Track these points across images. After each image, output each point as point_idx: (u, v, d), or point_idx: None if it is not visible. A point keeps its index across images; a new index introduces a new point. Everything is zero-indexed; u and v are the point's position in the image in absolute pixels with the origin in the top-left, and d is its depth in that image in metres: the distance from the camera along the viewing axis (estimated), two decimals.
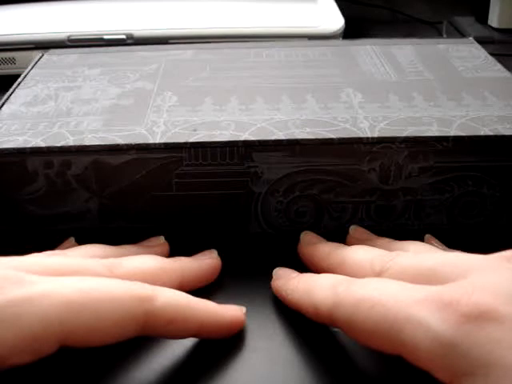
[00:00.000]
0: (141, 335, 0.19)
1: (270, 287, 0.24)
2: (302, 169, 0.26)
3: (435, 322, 0.16)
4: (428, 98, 0.29)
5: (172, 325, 0.20)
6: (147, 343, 0.22)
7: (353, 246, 0.24)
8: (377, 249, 0.23)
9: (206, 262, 0.25)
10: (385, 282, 0.19)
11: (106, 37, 0.46)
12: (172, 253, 0.26)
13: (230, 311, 0.22)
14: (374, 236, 0.26)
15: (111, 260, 0.22)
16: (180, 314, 0.20)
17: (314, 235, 0.26)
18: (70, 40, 0.46)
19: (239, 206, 0.27)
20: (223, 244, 0.26)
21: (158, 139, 0.25)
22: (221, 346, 0.22)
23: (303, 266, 0.25)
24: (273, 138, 0.25)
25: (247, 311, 0.22)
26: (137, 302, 0.19)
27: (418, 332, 0.16)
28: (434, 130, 0.26)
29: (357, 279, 0.20)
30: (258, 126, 0.26)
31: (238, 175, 0.26)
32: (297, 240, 0.26)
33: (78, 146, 0.25)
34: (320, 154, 0.26)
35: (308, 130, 0.26)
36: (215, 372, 0.20)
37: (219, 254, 0.25)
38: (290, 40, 0.45)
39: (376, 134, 0.25)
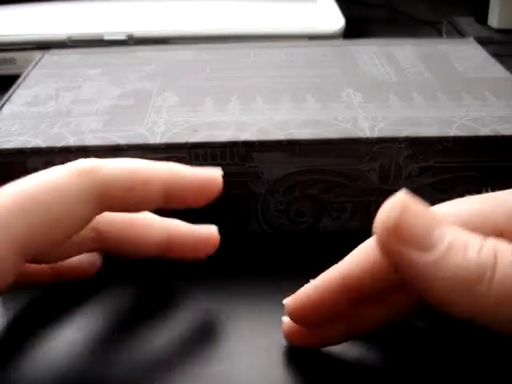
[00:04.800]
0: (106, 210, 0.18)
1: (269, 285, 0.24)
2: (302, 169, 0.26)
3: None
4: (428, 98, 0.29)
5: (132, 192, 0.18)
6: (144, 345, 0.22)
7: None
8: None
9: (201, 231, 0.23)
10: None
11: (106, 37, 0.46)
12: None
13: (200, 173, 0.20)
14: None
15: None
16: (136, 179, 0.19)
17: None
18: (70, 40, 0.46)
19: (239, 205, 0.27)
20: (223, 244, 0.26)
21: (158, 139, 0.25)
22: (221, 345, 0.22)
23: (303, 267, 0.25)
24: (273, 138, 0.25)
25: (247, 311, 0.22)
26: (79, 177, 0.18)
27: None
28: (433, 130, 0.26)
29: None
30: (258, 126, 0.26)
31: (238, 175, 0.26)
32: (297, 240, 0.26)
33: (79, 147, 0.25)
34: (320, 154, 0.26)
35: (308, 130, 0.26)
36: (215, 372, 0.20)
37: (219, 254, 0.25)
38: (290, 40, 0.45)
39: (376, 134, 0.25)
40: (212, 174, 0.20)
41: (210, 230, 0.22)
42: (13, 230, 0.17)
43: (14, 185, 0.18)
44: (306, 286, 0.20)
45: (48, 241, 0.18)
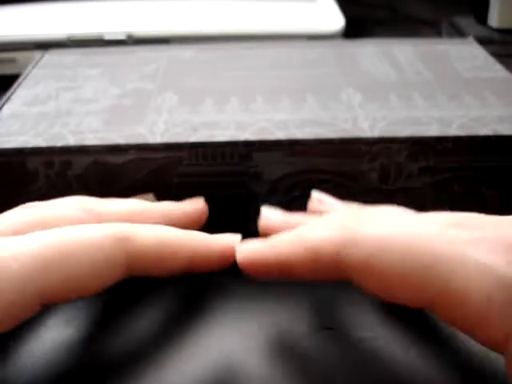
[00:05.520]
0: (129, 277, 0.19)
1: (268, 285, 0.24)
2: (302, 169, 0.26)
3: (497, 263, 0.13)
4: (428, 98, 0.29)
5: (160, 263, 0.19)
6: (136, 341, 0.22)
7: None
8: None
9: (191, 205, 0.24)
10: (410, 218, 0.16)
11: (106, 37, 0.46)
12: None
13: (221, 241, 0.21)
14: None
15: (89, 205, 0.21)
16: (166, 250, 0.19)
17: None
18: (70, 40, 0.46)
19: (239, 205, 0.27)
20: None
21: (158, 139, 0.25)
22: (220, 345, 0.22)
23: None
24: (273, 138, 0.25)
25: (246, 312, 0.22)
26: (115, 243, 0.18)
27: (475, 273, 0.13)
28: (433, 130, 0.26)
29: (370, 214, 0.17)
30: (258, 126, 0.26)
31: (238, 175, 0.26)
32: None
33: (79, 146, 0.25)
34: (320, 154, 0.26)
35: (308, 130, 0.26)
36: (214, 372, 0.20)
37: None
38: (290, 40, 0.45)
39: (376, 134, 0.25)
40: (230, 243, 0.21)
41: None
42: (35, 283, 0.16)
43: (50, 232, 0.18)
44: (256, 246, 0.20)
45: (69, 296, 0.18)
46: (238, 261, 0.20)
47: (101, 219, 0.20)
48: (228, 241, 0.21)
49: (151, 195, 0.26)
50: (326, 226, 0.18)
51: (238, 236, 0.21)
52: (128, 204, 0.22)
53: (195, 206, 0.24)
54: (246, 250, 0.20)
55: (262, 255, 0.19)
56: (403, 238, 0.15)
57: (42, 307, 0.17)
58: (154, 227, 0.20)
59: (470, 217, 0.17)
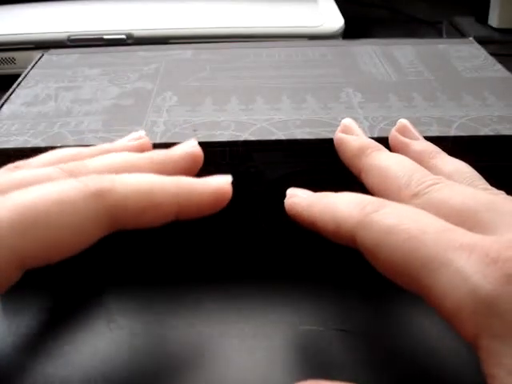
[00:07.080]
0: (113, 231, 0.18)
1: (269, 286, 0.24)
2: (302, 169, 0.26)
3: (475, 276, 0.15)
4: (428, 98, 0.29)
5: (145, 214, 0.18)
6: (138, 344, 0.22)
7: (398, 155, 0.22)
8: (418, 165, 0.21)
9: (180, 150, 0.22)
10: (424, 214, 0.17)
11: (106, 37, 0.46)
12: (172, 254, 0.26)
13: (211, 184, 0.20)
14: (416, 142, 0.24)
15: (74, 163, 0.20)
16: (151, 200, 0.18)
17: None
18: (70, 40, 0.46)
19: (239, 205, 0.27)
20: (223, 244, 0.27)
21: (157, 139, 0.25)
22: (220, 345, 0.22)
23: (303, 267, 0.25)
24: (273, 138, 0.25)
25: (246, 312, 0.22)
26: (92, 199, 0.17)
27: (453, 280, 0.15)
28: (433, 130, 0.26)
29: (390, 202, 0.18)
30: (258, 126, 0.26)
31: (238, 175, 0.26)
32: (298, 240, 0.26)
33: (78, 146, 0.25)
34: (320, 154, 0.26)
35: (308, 130, 0.26)
36: (215, 372, 0.20)
37: (219, 254, 0.25)
38: (290, 40, 0.45)
39: (376, 134, 0.25)
40: (222, 184, 0.20)
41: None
42: (15, 249, 0.16)
43: (23, 194, 0.17)
44: (300, 200, 0.21)
45: (51, 258, 0.17)
46: (285, 203, 0.22)
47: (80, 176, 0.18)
48: (219, 183, 0.20)
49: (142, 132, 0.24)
50: (354, 200, 0.19)
51: (229, 177, 0.20)
52: (108, 157, 0.21)
53: (185, 150, 0.22)
54: (294, 198, 0.22)
55: (301, 209, 0.21)
56: (407, 234, 0.16)
57: (22, 272, 0.17)
58: (135, 176, 0.19)
59: (491, 210, 0.17)
